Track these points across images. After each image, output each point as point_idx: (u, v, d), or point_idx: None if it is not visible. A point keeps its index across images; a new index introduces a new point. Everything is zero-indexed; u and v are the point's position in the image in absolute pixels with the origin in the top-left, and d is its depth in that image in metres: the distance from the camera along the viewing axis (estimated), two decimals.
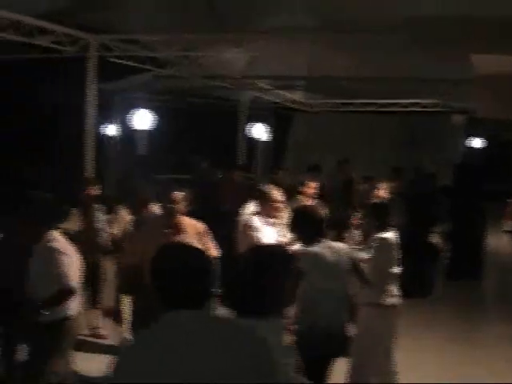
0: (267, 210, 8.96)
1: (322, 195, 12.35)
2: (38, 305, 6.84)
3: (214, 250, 8.06)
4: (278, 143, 27.79)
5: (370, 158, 25.11)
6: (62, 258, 6.88)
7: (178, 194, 7.63)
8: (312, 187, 11.80)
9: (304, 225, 7.16)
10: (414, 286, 12.54)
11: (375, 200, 9.07)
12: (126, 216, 10.47)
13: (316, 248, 6.92)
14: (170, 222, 7.68)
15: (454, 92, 19.89)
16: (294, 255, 4.93)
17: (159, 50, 14.31)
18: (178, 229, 7.69)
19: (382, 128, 26.70)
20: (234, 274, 4.43)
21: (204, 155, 17.34)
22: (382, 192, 12.82)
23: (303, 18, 12.61)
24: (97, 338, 10.63)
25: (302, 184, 11.74)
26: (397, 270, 8.27)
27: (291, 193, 10.61)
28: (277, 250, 4.86)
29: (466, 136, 27.59)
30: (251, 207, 10.21)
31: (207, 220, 8.35)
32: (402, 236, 8.60)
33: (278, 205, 9.05)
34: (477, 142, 27.55)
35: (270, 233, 8.83)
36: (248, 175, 19.71)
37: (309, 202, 11.29)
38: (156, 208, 9.77)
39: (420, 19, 10.97)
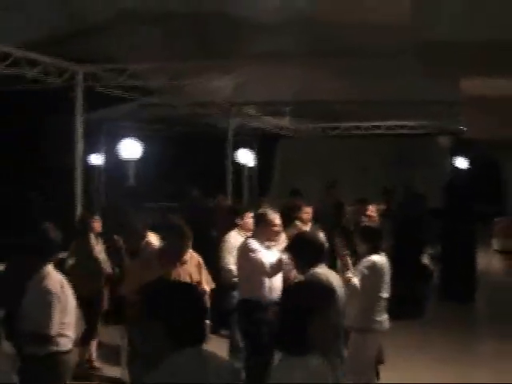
0: (266, 234, 8.91)
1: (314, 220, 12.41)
2: (27, 338, 6.78)
3: (210, 283, 8.11)
4: (265, 169, 27.83)
5: (359, 180, 25.15)
6: (50, 301, 6.77)
7: (188, 231, 7.66)
8: (308, 212, 11.87)
9: (305, 251, 7.18)
10: (405, 308, 12.55)
11: (366, 223, 9.02)
12: (121, 246, 10.51)
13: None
14: (179, 255, 7.69)
15: (441, 114, 20.02)
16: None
17: (146, 79, 14.33)
18: (182, 261, 7.76)
19: (370, 151, 26.77)
20: (281, 317, 4.36)
21: (194, 183, 17.33)
22: (372, 214, 12.83)
23: (289, 43, 12.67)
24: (92, 370, 10.55)
25: (299, 209, 11.77)
26: (386, 294, 8.24)
27: (287, 218, 10.56)
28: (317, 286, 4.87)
29: (453, 157, 27.70)
30: (235, 234, 10.27)
31: (199, 247, 8.35)
32: (393, 258, 8.58)
33: (277, 229, 9.02)
34: (464, 163, 27.66)
35: (270, 256, 8.80)
36: (236, 201, 19.74)
37: (305, 227, 11.32)
38: (154, 238, 9.80)
39: (407, 44, 11.06)
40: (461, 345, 12.21)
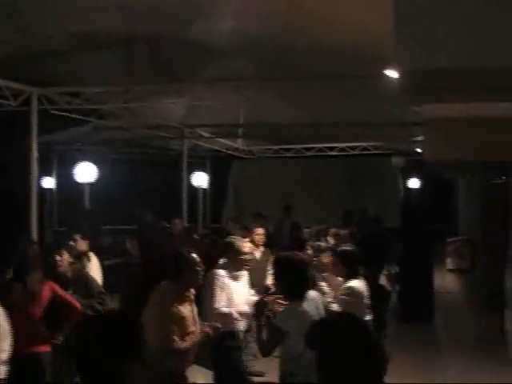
0: (236, 263, 8.84)
1: (268, 242, 12.47)
2: None
3: None
4: (218, 191, 27.86)
5: (313, 202, 25.29)
6: None
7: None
8: (261, 234, 11.90)
9: (291, 277, 6.85)
10: None
11: (344, 247, 8.87)
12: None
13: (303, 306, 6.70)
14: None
15: (394, 135, 20.28)
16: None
17: (101, 102, 14.30)
18: None
19: (323, 172, 26.94)
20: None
21: (148, 206, 17.33)
22: (332, 237, 12.89)
23: (242, 66, 12.76)
24: None
25: (251, 231, 11.81)
26: (369, 317, 8.12)
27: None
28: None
29: (406, 177, 27.99)
30: None
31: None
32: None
33: (245, 257, 8.97)
34: (417, 183, 27.96)
35: (240, 288, 8.78)
36: (190, 225, 19.73)
37: (258, 250, 11.36)
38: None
39: (357, 68, 11.21)
40: (421, 366, 12.27)
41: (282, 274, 7.01)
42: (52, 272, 9.66)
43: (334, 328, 3.84)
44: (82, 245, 10.99)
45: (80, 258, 10.63)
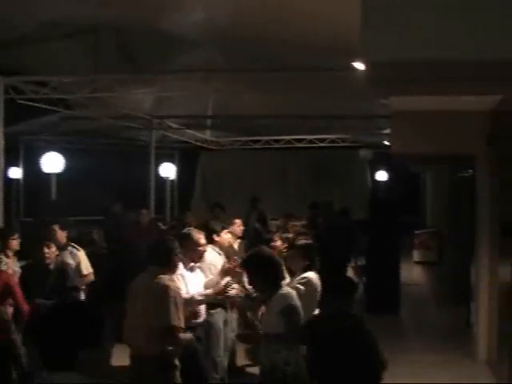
0: (191, 254, 8.81)
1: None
2: None
3: None
4: (186, 182, 27.80)
5: (280, 194, 25.33)
6: None
7: None
8: (239, 224, 11.90)
9: (269, 270, 6.98)
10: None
11: (303, 240, 8.90)
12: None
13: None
14: None
15: (362, 127, 20.36)
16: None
17: (69, 92, 14.18)
18: None
19: (291, 164, 26.99)
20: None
21: (116, 196, 17.23)
22: (294, 230, 12.85)
23: (211, 57, 12.75)
24: None
25: (230, 223, 11.78)
26: (318, 311, 8.02)
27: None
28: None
29: (374, 170, 28.11)
30: (210, 250, 10.13)
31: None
32: (318, 272, 8.54)
33: (202, 249, 8.95)
34: (385, 176, 28.07)
35: (194, 280, 8.75)
36: (158, 216, 19.70)
37: (235, 241, 11.36)
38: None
39: (329, 60, 11.24)
40: (387, 357, 12.29)
41: (254, 270, 7.14)
42: (40, 264, 9.66)
43: (327, 325, 4.05)
44: (62, 236, 10.87)
45: (64, 249, 10.56)
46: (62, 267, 10.07)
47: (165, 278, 7.43)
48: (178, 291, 7.49)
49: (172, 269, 7.73)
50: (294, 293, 6.98)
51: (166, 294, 7.24)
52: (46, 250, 9.83)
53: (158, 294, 7.29)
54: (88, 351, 3.48)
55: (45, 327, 3.58)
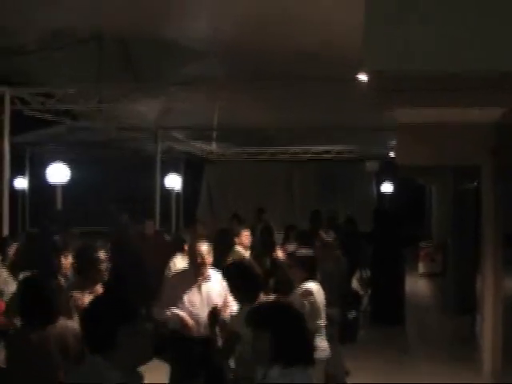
0: (195, 265, 8.71)
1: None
2: None
3: None
4: (192, 193, 27.82)
5: (286, 205, 25.32)
6: None
7: None
8: (247, 235, 11.86)
9: (244, 283, 7.07)
10: (337, 334, 12.57)
11: (303, 252, 8.84)
12: None
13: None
14: None
15: (368, 139, 20.33)
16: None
17: (74, 103, 14.22)
18: None
19: (297, 175, 26.99)
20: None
21: (122, 207, 17.24)
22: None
23: (216, 69, 12.76)
24: None
25: (238, 234, 11.73)
26: (323, 321, 8.12)
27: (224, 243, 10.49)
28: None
29: (380, 182, 28.08)
30: (179, 261, 10.15)
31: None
32: (322, 283, 8.50)
33: (205, 260, 8.87)
34: (391, 187, 28.04)
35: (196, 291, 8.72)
36: (163, 228, 19.69)
37: (246, 253, 11.32)
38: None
39: (334, 71, 11.24)
40: (393, 368, 12.27)
41: (232, 280, 7.29)
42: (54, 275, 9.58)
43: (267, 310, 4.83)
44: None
45: None
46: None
47: None
48: None
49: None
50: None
51: None
52: (64, 261, 9.61)
53: None
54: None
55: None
